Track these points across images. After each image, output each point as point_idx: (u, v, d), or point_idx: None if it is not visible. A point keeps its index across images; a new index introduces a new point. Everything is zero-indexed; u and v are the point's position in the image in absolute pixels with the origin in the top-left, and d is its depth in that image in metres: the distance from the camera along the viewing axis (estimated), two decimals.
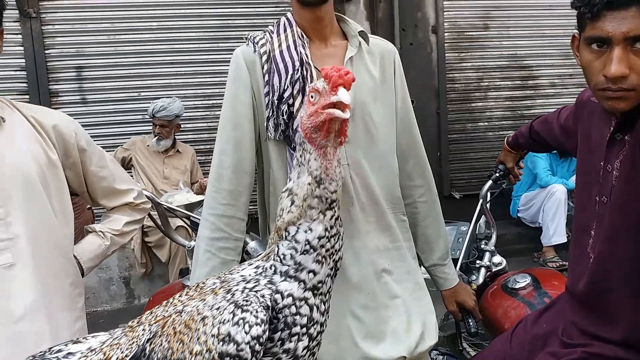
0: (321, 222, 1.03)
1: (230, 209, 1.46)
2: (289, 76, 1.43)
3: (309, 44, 1.48)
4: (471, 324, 1.81)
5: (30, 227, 1.36)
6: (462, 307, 1.76)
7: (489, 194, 2.21)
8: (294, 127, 1.44)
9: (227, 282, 0.99)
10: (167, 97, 4.21)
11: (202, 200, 3.12)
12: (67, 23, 4.48)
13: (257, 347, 0.89)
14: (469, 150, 5.34)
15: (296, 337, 0.98)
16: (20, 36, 4.37)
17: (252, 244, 1.71)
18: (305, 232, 1.02)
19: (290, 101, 1.43)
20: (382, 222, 1.53)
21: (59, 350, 1.04)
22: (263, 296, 0.95)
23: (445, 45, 5.18)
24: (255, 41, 1.49)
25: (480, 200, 2.18)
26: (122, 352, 0.97)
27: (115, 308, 4.34)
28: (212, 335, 0.88)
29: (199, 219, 1.82)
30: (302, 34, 1.47)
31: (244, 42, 1.53)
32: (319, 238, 1.02)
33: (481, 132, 5.37)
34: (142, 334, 0.98)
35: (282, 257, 1.02)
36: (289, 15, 1.52)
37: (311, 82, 1.44)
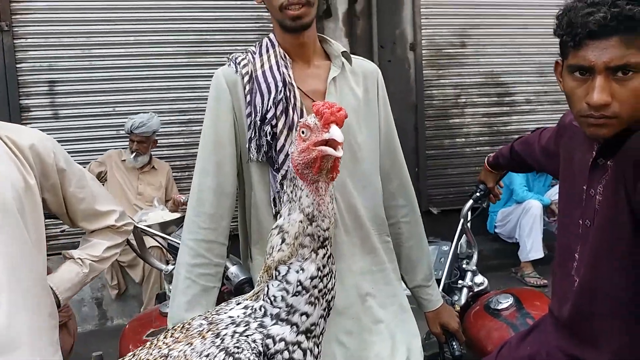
0: (313, 261, 0.99)
1: (211, 234, 1.42)
2: (272, 96, 1.41)
3: (292, 64, 1.47)
4: (455, 346, 1.78)
5: (8, 256, 1.27)
6: (446, 328, 1.74)
7: (469, 213, 2.20)
8: (277, 148, 1.41)
9: (215, 324, 0.94)
10: (144, 113, 4.13)
11: (177, 219, 3.08)
12: (40, 37, 4.38)
13: None
14: (447, 166, 5.37)
15: None
16: None
17: (232, 269, 1.66)
18: (297, 272, 0.98)
19: (274, 122, 1.41)
20: (366, 244, 1.51)
21: None
22: (255, 341, 0.92)
23: (423, 62, 5.22)
24: (237, 62, 1.47)
25: (461, 220, 2.18)
26: None
27: (87, 330, 4.19)
28: None
29: (177, 242, 1.77)
30: (284, 55, 1.46)
31: (221, 57, 1.54)
32: (311, 278, 0.98)
33: (459, 148, 5.41)
34: None
35: (272, 298, 0.98)
36: (272, 36, 1.51)
37: (294, 102, 1.42)
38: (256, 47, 1.51)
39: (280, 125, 1.41)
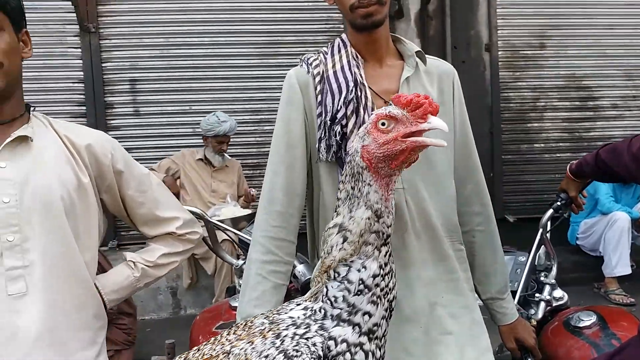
0: (376, 259, 0.96)
1: (282, 232, 1.42)
2: (343, 96, 1.38)
3: (364, 64, 1.45)
4: None
5: (48, 255, 1.26)
6: (521, 344, 1.64)
7: (549, 223, 2.08)
8: (346, 149, 1.38)
9: (276, 324, 0.93)
10: (219, 113, 4.22)
11: (248, 215, 3.12)
12: (124, 38, 4.61)
13: None
14: (524, 172, 5.16)
15: None
16: (79, 50, 4.54)
17: (299, 268, 1.65)
18: (359, 270, 0.95)
19: (344, 122, 1.38)
20: (438, 251, 1.45)
21: None
22: (315, 344, 0.89)
23: (499, 63, 5.06)
24: (309, 62, 1.47)
25: (540, 230, 2.06)
26: None
27: (162, 317, 4.37)
28: None
29: (247, 238, 1.78)
30: (356, 55, 1.44)
31: (293, 58, 1.54)
32: (374, 276, 0.95)
33: (537, 154, 5.19)
34: None
35: (332, 299, 0.95)
36: (344, 36, 1.49)
37: (365, 102, 1.39)
38: (328, 47, 1.49)
39: (350, 125, 1.38)
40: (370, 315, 0.94)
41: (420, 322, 1.41)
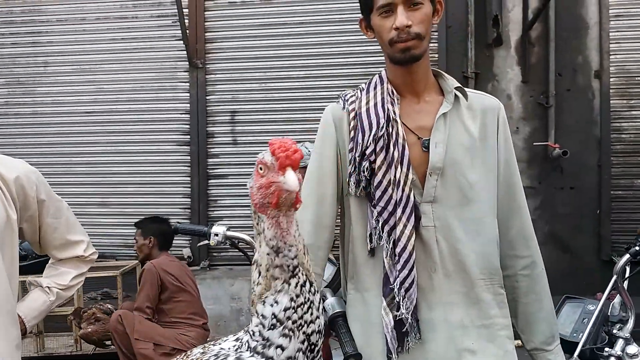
0: (286, 292, 0.99)
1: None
2: (373, 133, 1.40)
3: (401, 100, 1.45)
4: None
5: None
6: None
7: (627, 269, 1.88)
8: (374, 184, 1.39)
9: (205, 354, 0.99)
10: (308, 144, 4.33)
11: None
12: (227, 72, 4.97)
13: None
14: (637, 210, 4.65)
15: None
16: (187, 84, 4.97)
17: (329, 301, 1.64)
18: (272, 305, 0.98)
19: (372, 158, 1.39)
20: (471, 294, 1.39)
21: None
22: None
23: (611, 91, 4.67)
24: (346, 99, 1.50)
25: (614, 277, 1.87)
26: None
27: None
28: None
29: None
30: (392, 91, 1.44)
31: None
32: (285, 310, 0.98)
33: None
34: None
35: (251, 333, 0.99)
36: (382, 72, 1.50)
37: (396, 139, 1.39)
38: (366, 84, 1.51)
39: (379, 161, 1.39)
40: (282, 349, 0.96)
41: None
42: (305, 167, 4.47)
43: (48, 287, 1.58)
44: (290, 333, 0.98)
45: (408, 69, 1.42)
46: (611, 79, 4.67)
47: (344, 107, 1.47)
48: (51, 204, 1.56)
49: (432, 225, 1.37)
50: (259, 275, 1.02)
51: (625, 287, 1.89)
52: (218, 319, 4.47)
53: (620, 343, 1.84)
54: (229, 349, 1.00)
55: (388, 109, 1.40)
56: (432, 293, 1.37)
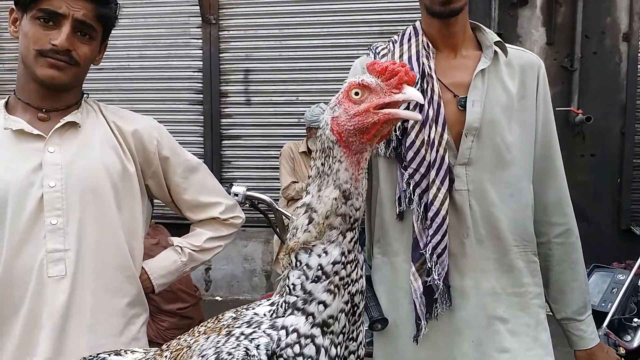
0: (339, 244, 0.90)
1: None
2: None
3: (436, 54, 1.36)
4: None
5: (90, 240, 1.30)
6: None
7: None
8: (407, 144, 1.31)
9: (238, 320, 0.91)
10: (323, 104, 4.25)
11: None
12: (241, 29, 4.82)
13: None
14: None
15: None
16: (200, 41, 4.83)
17: None
18: (319, 255, 0.89)
19: None
20: (503, 261, 1.33)
21: (104, 359, 1.05)
22: (258, 346, 0.85)
23: (639, 55, 4.47)
24: (377, 51, 1.40)
25: None
26: None
27: (256, 298, 4.51)
28: None
29: None
30: (428, 44, 1.35)
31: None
32: (334, 263, 0.89)
33: None
34: None
35: (291, 287, 0.90)
36: (417, 23, 1.41)
37: (432, 95, 1.30)
38: (399, 35, 1.42)
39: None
40: (325, 306, 0.88)
41: (472, 335, 1.31)
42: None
43: (180, 246, 1.50)
44: (335, 290, 0.89)
45: (446, 22, 1.33)
46: None
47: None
48: (177, 163, 1.47)
49: (465, 189, 1.30)
50: (310, 222, 0.91)
51: None
52: (231, 279, 4.47)
53: None
54: (263, 314, 0.93)
55: (423, 63, 1.32)
56: (464, 259, 1.31)
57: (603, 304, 1.75)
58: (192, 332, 0.97)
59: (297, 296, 0.89)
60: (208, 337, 0.89)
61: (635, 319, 1.77)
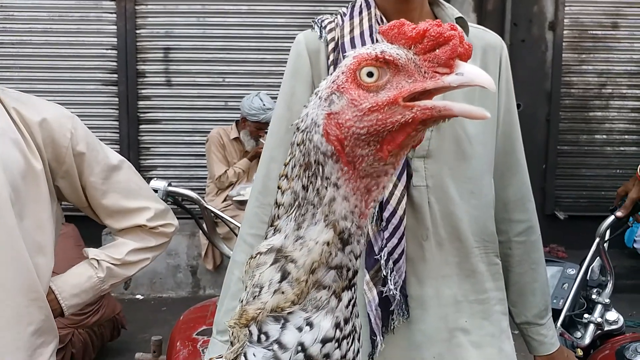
0: (331, 312, 0.60)
1: None
2: None
3: None
4: None
5: None
6: None
7: (607, 231, 1.77)
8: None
9: None
10: (264, 96, 3.94)
11: None
12: (160, 3, 4.47)
13: None
14: (581, 165, 4.75)
15: None
16: (114, 15, 4.43)
17: None
18: (300, 329, 0.60)
19: None
20: (465, 265, 1.22)
21: None
22: None
23: (564, 44, 4.64)
24: (323, 25, 1.25)
25: (597, 239, 1.77)
26: None
27: (180, 296, 4.26)
28: None
29: None
30: (381, 18, 1.21)
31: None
32: (323, 342, 0.59)
33: (597, 146, 4.76)
34: None
35: None
36: None
37: None
38: (348, 8, 1.26)
39: None
40: None
41: (433, 350, 1.19)
42: (265, 123, 4.11)
43: (96, 259, 1.29)
44: None
45: None
46: (565, 32, 4.64)
47: (321, 36, 1.22)
48: (95, 160, 1.27)
49: (424, 184, 1.18)
50: (284, 277, 0.61)
51: (606, 249, 1.78)
52: (153, 276, 4.18)
53: (599, 309, 1.76)
54: None
55: (376, 40, 1.16)
56: (423, 264, 1.19)
57: (554, 300, 1.69)
58: None
59: None
60: None
61: (586, 315, 1.74)
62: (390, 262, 1.14)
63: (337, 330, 0.60)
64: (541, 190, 4.60)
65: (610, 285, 1.79)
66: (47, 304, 1.20)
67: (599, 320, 1.74)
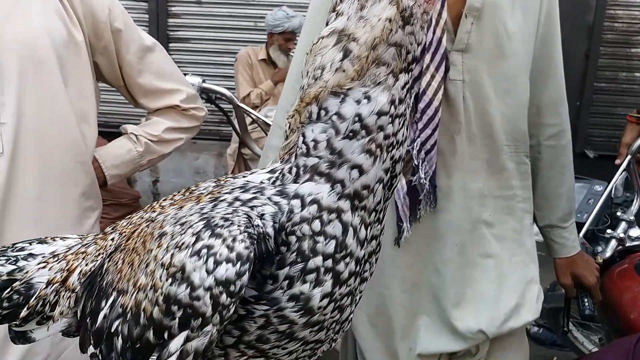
0: (388, 88, 0.64)
1: None
2: None
3: None
4: (587, 304, 1.48)
5: (32, 114, 1.11)
6: (579, 282, 1.43)
7: None
8: None
9: (223, 187, 0.68)
10: (286, 8, 3.90)
11: None
12: None
13: (225, 298, 0.56)
14: (617, 104, 4.56)
15: (313, 274, 0.62)
16: None
17: None
18: (358, 102, 0.63)
19: None
20: (494, 162, 1.24)
21: (22, 249, 0.85)
22: (262, 215, 0.62)
23: None
24: None
25: (628, 157, 1.75)
26: (86, 265, 0.75)
27: None
28: (161, 264, 0.60)
29: None
30: None
31: None
32: (379, 114, 0.63)
33: (637, 85, 4.55)
34: (110, 245, 0.75)
35: (310, 145, 0.64)
36: None
37: None
38: None
39: None
40: (361, 172, 0.64)
41: (455, 239, 1.24)
42: (291, 32, 4.05)
43: (134, 134, 1.31)
44: (377, 151, 0.63)
45: None
46: None
47: None
48: (131, 39, 1.28)
49: (460, 79, 1.18)
50: (346, 56, 0.64)
51: (635, 168, 1.78)
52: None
53: (622, 225, 1.77)
54: (261, 182, 0.68)
55: None
56: (453, 158, 1.21)
57: (579, 215, 1.71)
58: (149, 208, 0.75)
59: (320, 157, 0.63)
60: (182, 207, 0.67)
61: (609, 230, 1.76)
62: (423, 153, 1.16)
63: (392, 107, 0.65)
64: (573, 127, 4.47)
65: (636, 203, 1.79)
66: (92, 170, 1.25)
67: (622, 235, 1.77)
